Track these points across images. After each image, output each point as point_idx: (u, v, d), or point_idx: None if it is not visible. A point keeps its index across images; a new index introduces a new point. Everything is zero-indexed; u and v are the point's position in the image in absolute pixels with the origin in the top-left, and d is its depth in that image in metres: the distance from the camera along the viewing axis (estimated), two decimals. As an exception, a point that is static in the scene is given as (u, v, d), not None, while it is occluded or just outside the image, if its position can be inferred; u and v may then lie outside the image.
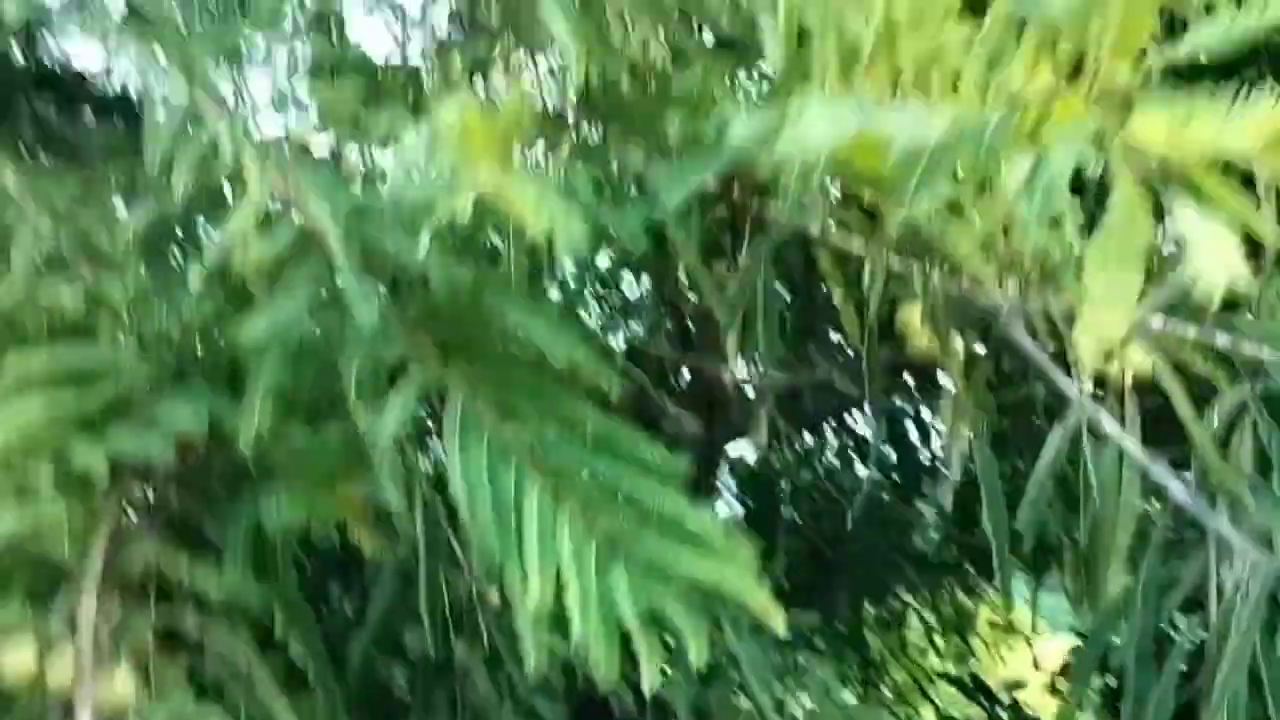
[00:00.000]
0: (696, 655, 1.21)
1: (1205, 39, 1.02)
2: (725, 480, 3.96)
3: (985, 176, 1.07)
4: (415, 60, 2.35)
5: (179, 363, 1.54)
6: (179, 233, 1.64)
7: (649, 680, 1.19)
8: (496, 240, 1.46)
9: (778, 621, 1.25)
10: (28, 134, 2.25)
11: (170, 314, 1.56)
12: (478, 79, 2.28)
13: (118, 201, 1.76)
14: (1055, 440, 1.74)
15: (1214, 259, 0.92)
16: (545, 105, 2.09)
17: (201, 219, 1.59)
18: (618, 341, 3.88)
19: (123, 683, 1.27)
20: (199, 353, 1.54)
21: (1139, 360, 1.77)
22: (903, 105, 1.22)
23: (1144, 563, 1.74)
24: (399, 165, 1.43)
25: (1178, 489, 1.71)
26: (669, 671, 1.97)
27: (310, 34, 2.19)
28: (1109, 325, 1.06)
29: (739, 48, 1.66)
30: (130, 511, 1.41)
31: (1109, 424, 1.76)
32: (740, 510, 3.94)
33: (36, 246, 1.64)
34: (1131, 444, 1.74)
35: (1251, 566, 1.62)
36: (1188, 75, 1.09)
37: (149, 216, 1.62)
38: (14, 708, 1.26)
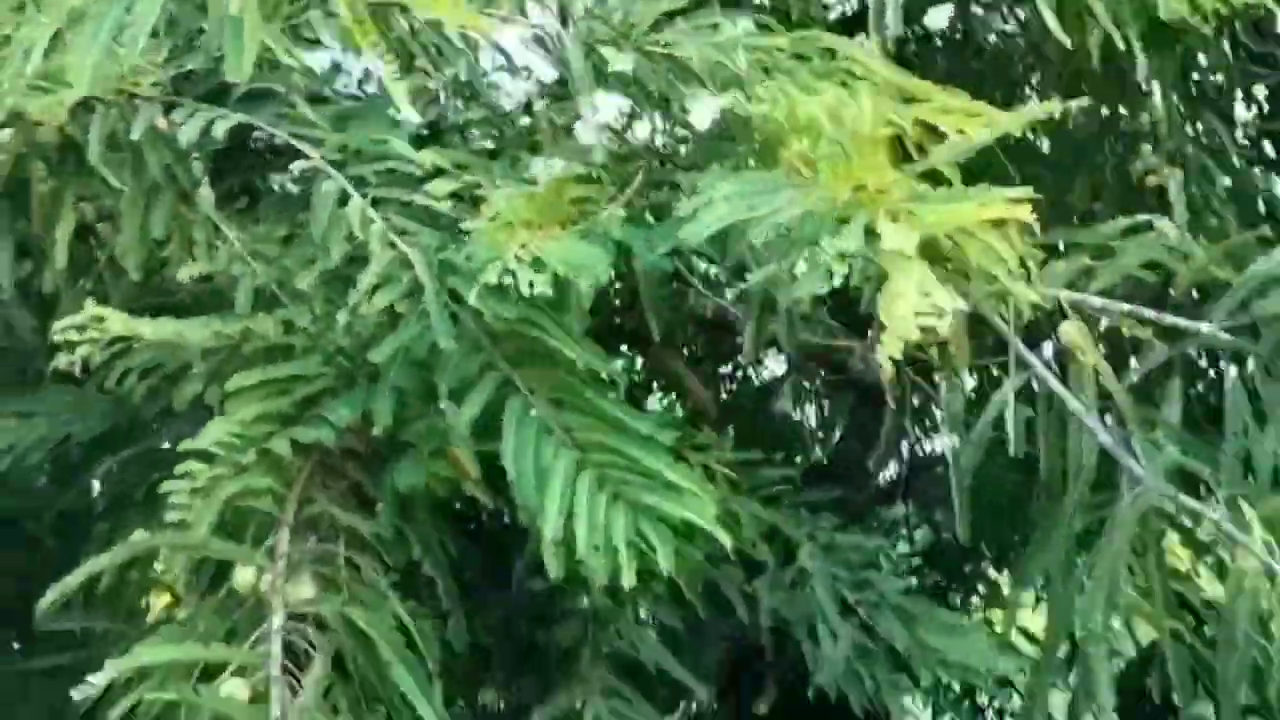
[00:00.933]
0: (665, 564, 1.81)
1: (943, 154, 1.53)
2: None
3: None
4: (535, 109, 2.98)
5: (348, 371, 2.21)
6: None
7: (628, 581, 1.80)
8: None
9: (725, 540, 1.84)
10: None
11: (340, 336, 2.24)
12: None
13: (307, 250, 2.44)
14: (1002, 394, 2.22)
15: (905, 314, 1.45)
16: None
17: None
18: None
19: (305, 589, 1.97)
20: (359, 364, 2.21)
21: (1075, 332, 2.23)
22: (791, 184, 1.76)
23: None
24: (476, 227, 2.04)
25: (1101, 431, 2.17)
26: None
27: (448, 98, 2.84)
28: (899, 327, 1.58)
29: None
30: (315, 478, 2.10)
31: (1054, 383, 2.23)
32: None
33: (253, 285, 2.33)
34: (1065, 394, 2.20)
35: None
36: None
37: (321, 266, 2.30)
38: (240, 607, 1.98)
